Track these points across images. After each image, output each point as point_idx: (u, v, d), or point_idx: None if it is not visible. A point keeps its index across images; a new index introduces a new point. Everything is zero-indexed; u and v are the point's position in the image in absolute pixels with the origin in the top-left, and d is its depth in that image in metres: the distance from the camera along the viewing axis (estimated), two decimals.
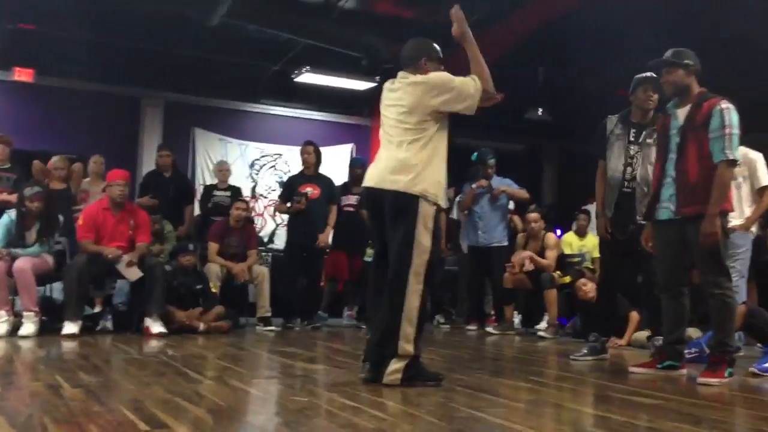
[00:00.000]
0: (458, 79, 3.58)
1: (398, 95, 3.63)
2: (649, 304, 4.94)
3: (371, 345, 3.52)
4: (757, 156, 5.51)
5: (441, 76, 3.60)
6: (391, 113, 3.64)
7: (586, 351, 4.88)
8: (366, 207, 3.80)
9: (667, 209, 4.09)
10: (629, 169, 4.72)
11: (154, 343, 5.28)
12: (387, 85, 3.78)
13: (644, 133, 4.73)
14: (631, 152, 4.73)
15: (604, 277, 5.11)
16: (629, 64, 8.05)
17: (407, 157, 3.49)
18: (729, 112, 3.87)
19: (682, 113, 4.06)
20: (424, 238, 3.43)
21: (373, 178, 3.62)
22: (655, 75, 4.62)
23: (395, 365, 3.38)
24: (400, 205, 3.46)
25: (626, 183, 4.73)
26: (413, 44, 3.81)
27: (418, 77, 3.61)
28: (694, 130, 3.96)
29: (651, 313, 4.95)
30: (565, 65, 9.26)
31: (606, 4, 7.31)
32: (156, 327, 5.79)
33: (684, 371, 4.16)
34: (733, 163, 3.87)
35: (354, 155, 10.61)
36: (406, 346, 3.38)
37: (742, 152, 4.49)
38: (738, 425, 2.79)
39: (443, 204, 3.59)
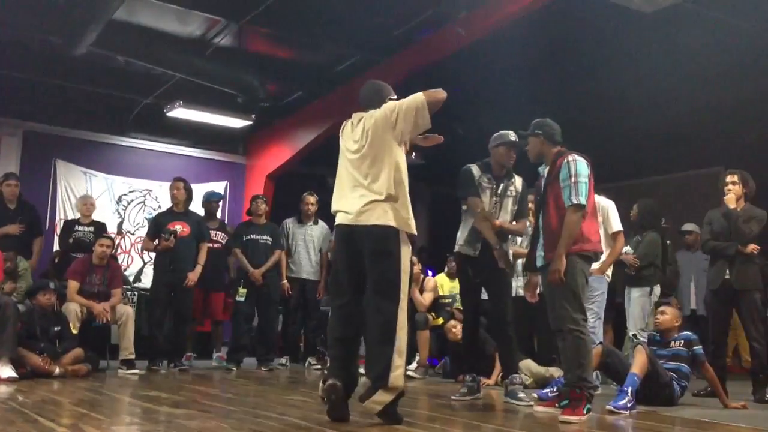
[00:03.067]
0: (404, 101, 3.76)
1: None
2: (499, 345, 5.11)
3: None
4: (608, 203, 5.93)
5: (388, 105, 3.77)
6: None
7: (465, 391, 5.00)
8: (343, 246, 3.81)
9: (540, 257, 4.40)
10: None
11: (2, 389, 4.90)
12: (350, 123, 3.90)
13: (502, 185, 5.03)
14: (493, 202, 4.99)
15: (466, 319, 5.27)
16: (499, 112, 8.47)
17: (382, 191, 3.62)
18: (575, 164, 4.23)
19: (546, 172, 4.44)
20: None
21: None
22: (517, 138, 4.95)
23: (382, 396, 3.47)
24: (386, 242, 3.58)
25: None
26: (375, 86, 3.96)
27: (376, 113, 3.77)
28: (551, 184, 4.33)
29: (501, 354, 5.11)
30: (439, 110, 9.56)
31: (478, 56, 7.65)
32: (5, 371, 5.39)
33: None
34: (580, 207, 4.15)
35: (227, 193, 10.46)
36: (399, 381, 3.48)
37: (596, 200, 4.80)
38: None
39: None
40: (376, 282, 3.60)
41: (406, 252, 3.62)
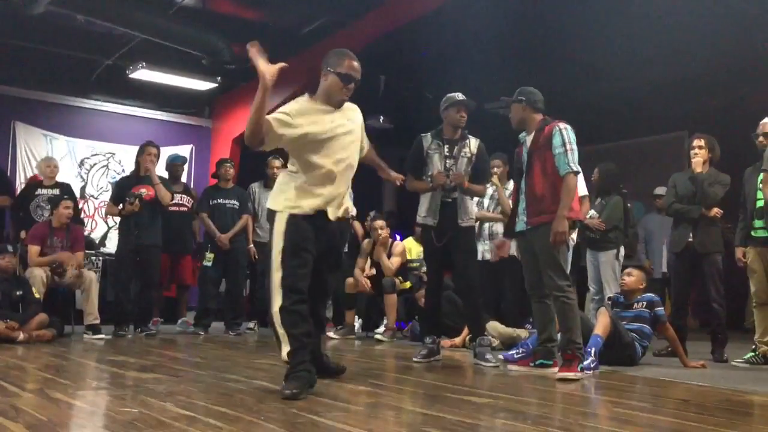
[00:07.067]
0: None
1: None
2: (466, 309, 5.17)
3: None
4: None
5: None
6: None
7: (425, 352, 5.05)
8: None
9: (521, 221, 4.52)
10: (447, 181, 4.98)
11: None
12: None
13: (456, 147, 5.05)
14: (448, 165, 5.02)
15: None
16: (469, 76, 8.43)
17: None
18: (567, 132, 4.38)
19: (529, 140, 4.54)
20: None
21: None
22: (465, 97, 5.02)
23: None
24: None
25: (445, 193, 4.99)
26: None
27: None
28: (538, 151, 4.43)
29: (468, 317, 5.17)
30: (407, 75, 9.51)
31: (447, 19, 7.59)
32: None
33: (556, 368, 4.39)
34: (577, 173, 4.34)
35: (193, 156, 10.32)
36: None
37: None
38: (557, 420, 2.97)
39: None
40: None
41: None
